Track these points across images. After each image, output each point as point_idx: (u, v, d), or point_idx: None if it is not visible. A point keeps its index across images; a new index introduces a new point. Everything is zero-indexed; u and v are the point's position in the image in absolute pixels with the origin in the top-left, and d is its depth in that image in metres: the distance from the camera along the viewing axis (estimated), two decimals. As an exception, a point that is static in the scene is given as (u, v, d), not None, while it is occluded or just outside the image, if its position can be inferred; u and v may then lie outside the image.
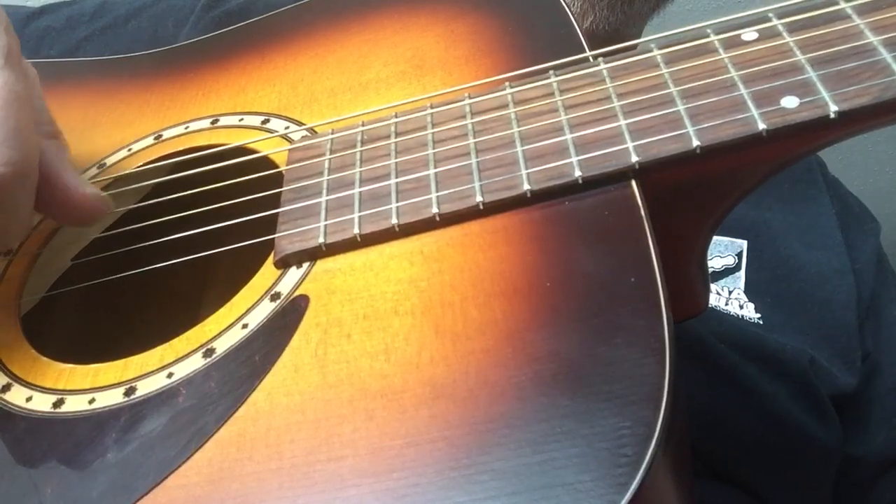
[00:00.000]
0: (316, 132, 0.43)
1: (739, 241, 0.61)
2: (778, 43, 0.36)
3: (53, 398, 0.37)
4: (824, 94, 0.34)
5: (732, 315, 0.58)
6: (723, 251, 0.61)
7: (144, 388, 0.36)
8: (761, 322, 0.58)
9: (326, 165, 0.40)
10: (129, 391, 0.36)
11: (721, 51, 0.37)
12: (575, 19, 0.49)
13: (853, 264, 0.63)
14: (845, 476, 0.57)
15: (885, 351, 0.61)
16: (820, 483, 0.56)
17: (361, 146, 0.40)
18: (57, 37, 0.73)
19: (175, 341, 0.37)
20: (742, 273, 0.60)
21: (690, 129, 0.35)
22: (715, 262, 0.61)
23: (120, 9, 0.74)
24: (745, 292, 0.59)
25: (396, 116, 0.41)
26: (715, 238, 0.61)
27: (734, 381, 0.54)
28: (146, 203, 0.45)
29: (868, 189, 1.06)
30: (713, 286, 0.59)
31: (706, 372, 0.53)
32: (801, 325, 0.59)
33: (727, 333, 0.55)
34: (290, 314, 0.36)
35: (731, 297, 0.59)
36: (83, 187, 0.40)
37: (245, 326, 0.36)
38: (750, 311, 0.58)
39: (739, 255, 0.61)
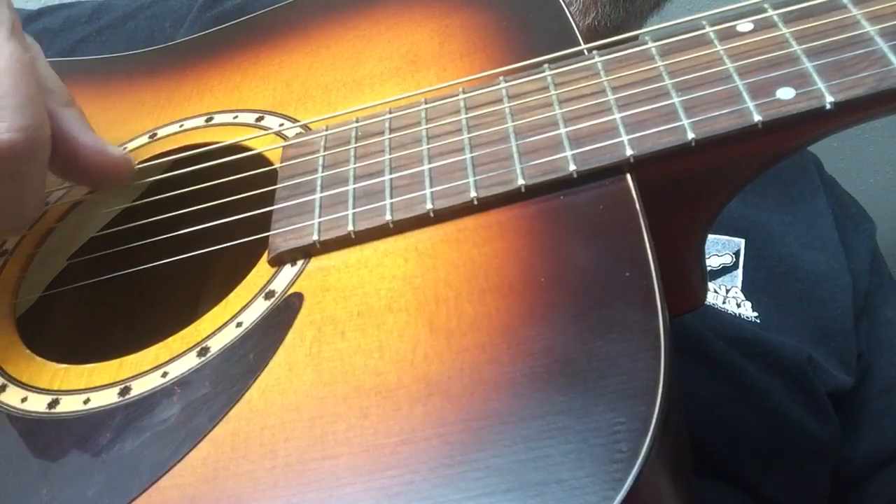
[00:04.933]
0: (310, 129, 0.43)
1: (737, 239, 0.61)
2: (773, 34, 0.36)
3: (48, 398, 0.37)
4: (820, 84, 0.34)
5: (730, 313, 0.58)
6: (720, 250, 0.61)
7: (139, 387, 0.36)
8: (758, 321, 0.58)
9: (320, 162, 0.40)
10: (124, 391, 0.36)
11: (716, 42, 0.37)
12: (577, 16, 0.49)
13: (849, 264, 0.62)
14: (835, 476, 0.57)
15: (876, 353, 0.61)
16: (817, 480, 0.56)
17: (355, 143, 0.40)
18: (54, 38, 0.73)
19: (170, 340, 0.37)
20: (739, 272, 0.60)
21: (685, 122, 0.34)
22: (712, 261, 0.61)
23: (117, 10, 0.74)
24: (743, 291, 0.59)
25: (390, 112, 0.41)
26: (712, 236, 0.61)
27: (733, 378, 0.54)
28: (141, 202, 0.45)
29: (868, 189, 1.06)
30: (711, 284, 0.59)
31: (704, 369, 0.53)
32: (799, 325, 0.59)
33: (725, 331, 0.55)
34: (284, 312, 0.36)
35: (728, 296, 0.59)
36: (107, 149, 0.41)
37: (239, 325, 0.36)
38: (747, 310, 0.58)
39: (737, 253, 0.61)
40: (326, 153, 0.40)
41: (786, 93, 0.34)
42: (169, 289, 0.48)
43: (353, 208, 0.37)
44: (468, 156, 0.37)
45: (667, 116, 0.35)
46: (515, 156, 0.36)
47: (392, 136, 0.40)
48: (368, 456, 0.30)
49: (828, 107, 0.33)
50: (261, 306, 0.37)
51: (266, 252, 0.38)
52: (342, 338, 0.34)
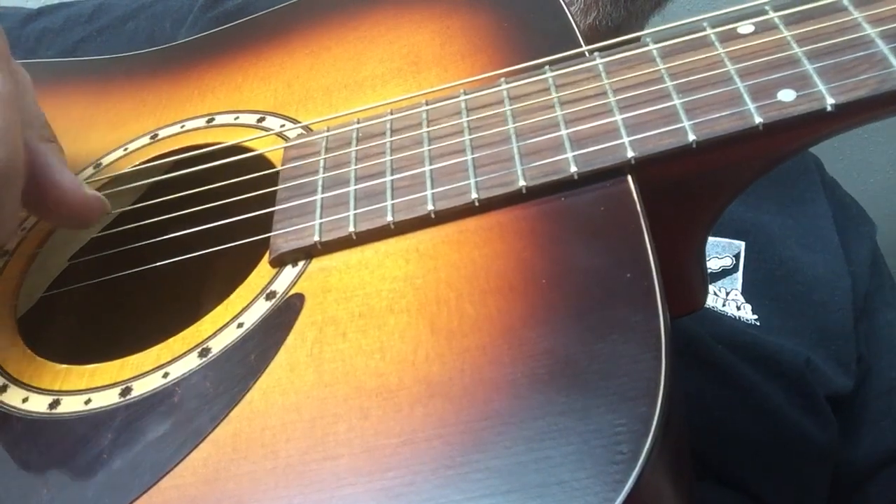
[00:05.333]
0: (311, 130, 0.43)
1: (737, 242, 0.61)
2: (775, 36, 0.36)
3: (50, 399, 0.37)
4: (821, 86, 0.34)
5: (729, 316, 0.58)
6: (720, 252, 0.61)
7: (140, 388, 0.36)
8: (758, 323, 0.58)
9: (321, 164, 0.40)
10: (125, 391, 0.36)
11: (717, 44, 0.37)
12: (578, 15, 0.49)
13: (848, 266, 0.62)
14: (836, 478, 0.57)
15: (876, 355, 0.61)
16: (816, 483, 0.56)
17: (356, 144, 0.40)
18: (54, 38, 0.73)
19: (171, 341, 0.37)
20: (739, 274, 0.60)
21: (686, 124, 0.34)
22: (713, 263, 0.61)
23: (118, 10, 0.74)
24: (743, 293, 0.59)
25: (392, 114, 0.41)
26: (713, 239, 0.61)
27: (731, 381, 0.54)
28: (143, 203, 0.45)
29: (868, 189, 1.06)
30: (711, 287, 0.59)
31: (703, 372, 0.53)
32: (798, 327, 0.59)
33: (724, 334, 0.55)
34: (285, 313, 0.36)
35: (728, 298, 0.59)
36: (81, 189, 0.40)
37: (240, 326, 0.36)
38: (747, 313, 0.58)
39: (737, 256, 0.61)
40: (328, 154, 0.40)
41: (787, 95, 0.34)
42: (170, 289, 0.48)
43: (355, 209, 0.37)
44: (469, 157, 0.37)
45: (668, 118, 0.35)
46: (517, 157, 0.36)
47: (393, 137, 0.40)
48: (369, 457, 0.30)
49: (829, 109, 0.33)
50: (262, 307, 0.37)
51: (267, 253, 0.38)
52: (343, 339, 0.34)
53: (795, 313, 0.59)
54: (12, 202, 0.37)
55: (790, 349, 0.56)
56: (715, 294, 0.59)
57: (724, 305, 0.59)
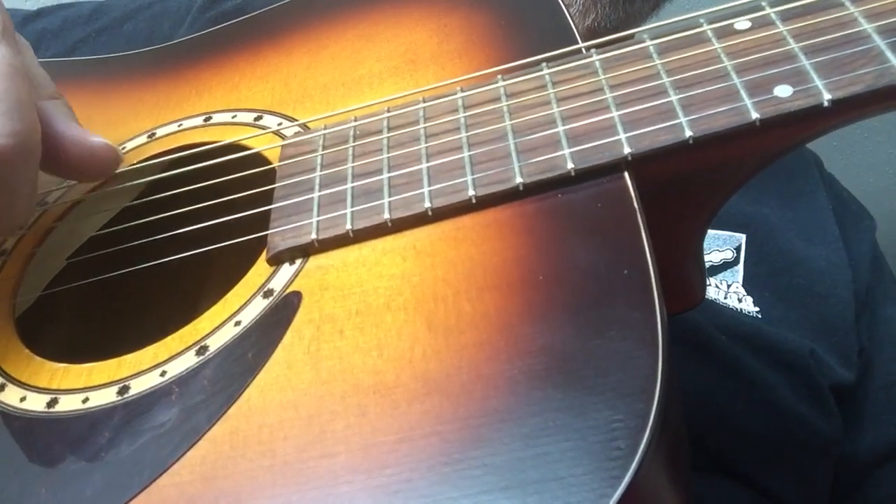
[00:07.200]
0: (308, 128, 0.43)
1: (738, 234, 0.61)
2: (771, 32, 0.36)
3: (47, 398, 0.37)
4: (818, 82, 0.34)
5: (731, 308, 0.58)
6: (721, 245, 0.61)
7: (138, 386, 0.36)
8: (760, 316, 0.58)
9: (319, 161, 0.40)
10: (123, 390, 0.36)
11: (714, 40, 0.37)
12: (577, 17, 0.49)
13: (849, 260, 0.62)
14: (837, 472, 0.57)
15: (878, 349, 0.61)
16: (819, 474, 0.56)
17: (354, 141, 0.40)
18: (53, 39, 0.73)
19: (168, 339, 0.37)
20: (740, 267, 0.60)
21: (683, 120, 0.34)
22: (713, 256, 0.61)
23: (116, 11, 0.75)
24: (744, 286, 0.59)
25: (389, 111, 0.41)
26: (713, 232, 0.61)
27: (735, 372, 0.54)
28: (140, 201, 0.45)
29: (867, 188, 1.06)
30: (712, 280, 0.59)
31: (706, 363, 0.53)
32: (800, 319, 0.59)
33: (727, 325, 0.55)
34: (282, 311, 0.36)
35: (729, 291, 0.59)
36: (88, 137, 0.40)
37: (238, 324, 0.36)
38: (749, 305, 0.58)
39: (738, 248, 0.61)
40: (325, 152, 0.40)
41: (783, 90, 0.34)
42: (167, 288, 0.48)
43: (352, 207, 0.37)
44: (466, 154, 0.37)
45: (664, 114, 0.35)
46: (513, 154, 0.36)
47: (390, 134, 0.40)
48: (367, 454, 0.30)
49: (825, 104, 0.33)
50: (259, 305, 0.37)
51: (265, 251, 0.38)
52: (341, 336, 0.34)
53: (796, 306, 0.59)
54: (32, 178, 0.37)
55: (794, 340, 0.56)
56: (716, 287, 0.59)
57: (725, 298, 0.59)
